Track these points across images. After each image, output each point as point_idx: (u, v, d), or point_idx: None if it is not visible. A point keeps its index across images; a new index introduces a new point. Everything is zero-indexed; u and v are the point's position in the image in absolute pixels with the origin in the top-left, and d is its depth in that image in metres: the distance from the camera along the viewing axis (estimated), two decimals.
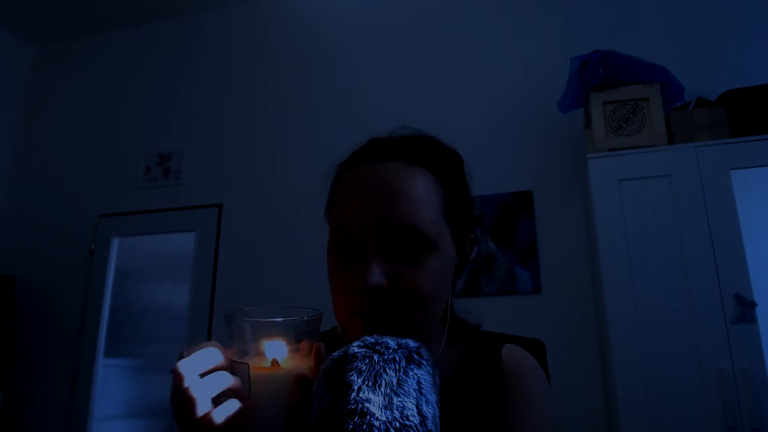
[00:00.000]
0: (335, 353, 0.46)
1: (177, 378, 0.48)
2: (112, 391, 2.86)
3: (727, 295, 1.75)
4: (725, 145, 1.90)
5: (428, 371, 0.45)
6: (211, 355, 0.50)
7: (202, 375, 0.49)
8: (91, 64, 3.48)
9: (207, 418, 0.47)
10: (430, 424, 0.43)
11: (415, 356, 0.45)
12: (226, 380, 0.49)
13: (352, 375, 0.43)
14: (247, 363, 0.50)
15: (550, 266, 2.36)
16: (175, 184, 3.04)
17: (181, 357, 0.49)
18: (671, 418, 1.70)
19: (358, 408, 0.41)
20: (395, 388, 0.43)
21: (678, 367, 1.73)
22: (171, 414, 0.49)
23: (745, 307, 1.72)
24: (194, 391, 0.47)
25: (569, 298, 2.30)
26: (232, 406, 0.48)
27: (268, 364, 0.52)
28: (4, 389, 2.92)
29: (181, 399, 0.47)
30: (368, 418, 0.41)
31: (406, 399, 0.42)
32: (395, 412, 0.41)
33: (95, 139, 3.29)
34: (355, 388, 0.42)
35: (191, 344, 0.51)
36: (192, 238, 2.94)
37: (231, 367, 0.51)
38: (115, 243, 3.06)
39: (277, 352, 0.53)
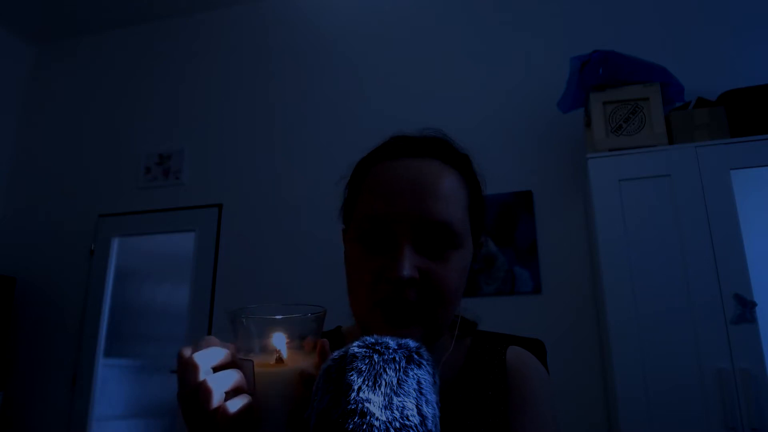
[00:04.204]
0: (335, 353, 0.46)
1: (191, 369, 0.48)
2: (112, 391, 2.86)
3: (727, 295, 1.75)
4: (725, 145, 1.90)
5: (428, 371, 0.45)
6: (220, 351, 0.51)
7: (214, 370, 0.49)
8: (91, 64, 3.49)
9: (221, 409, 0.47)
10: (430, 424, 0.43)
11: (415, 356, 0.45)
12: (237, 375, 0.50)
13: (352, 375, 0.43)
14: (252, 360, 0.51)
15: (550, 266, 2.36)
16: (175, 184, 3.04)
17: (180, 355, 0.49)
18: (671, 418, 1.70)
19: (358, 408, 0.41)
20: (395, 388, 0.43)
21: (678, 367, 1.73)
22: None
23: (745, 307, 1.72)
24: (210, 383, 0.47)
25: (569, 298, 2.30)
26: (244, 399, 0.49)
27: (272, 361, 0.52)
28: (4, 389, 2.92)
29: (196, 390, 0.47)
30: (368, 418, 0.41)
31: (406, 399, 0.42)
32: (395, 412, 0.41)
33: (95, 139, 3.29)
34: (355, 388, 0.42)
35: (193, 341, 0.52)
36: (192, 238, 2.94)
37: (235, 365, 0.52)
38: (115, 243, 3.07)
39: (281, 349, 0.53)
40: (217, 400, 0.47)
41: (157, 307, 2.94)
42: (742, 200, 1.83)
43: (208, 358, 0.49)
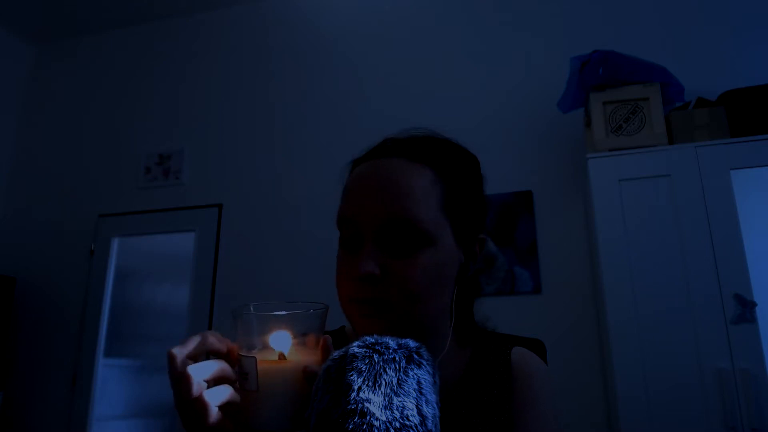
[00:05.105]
0: (335, 353, 0.47)
1: (170, 360, 0.50)
2: (112, 391, 2.86)
3: (727, 295, 1.75)
4: (725, 145, 1.90)
5: (428, 371, 0.46)
6: (203, 339, 0.52)
7: (197, 360, 0.51)
8: (91, 64, 3.49)
9: (200, 399, 0.48)
10: (430, 424, 0.43)
11: (415, 356, 0.45)
12: (218, 365, 0.51)
13: (352, 375, 0.43)
14: (255, 356, 0.51)
15: (550, 266, 2.36)
16: (175, 184, 3.04)
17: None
18: (671, 418, 1.70)
19: (358, 408, 0.41)
20: (395, 388, 0.43)
21: (678, 367, 1.73)
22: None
23: (745, 307, 1.72)
24: (189, 371, 0.49)
25: (569, 298, 2.30)
26: (225, 391, 0.50)
27: (275, 358, 0.53)
28: (4, 389, 2.92)
29: (178, 380, 0.49)
30: (368, 418, 0.41)
31: (406, 399, 0.42)
32: (395, 412, 0.41)
33: (95, 139, 3.29)
34: (355, 388, 0.42)
35: (191, 335, 0.53)
36: (192, 238, 2.94)
37: (238, 360, 0.52)
38: (115, 243, 3.06)
39: (283, 346, 0.53)
40: (196, 388, 0.48)
41: (157, 307, 2.94)
42: (742, 200, 1.83)
43: (184, 348, 0.51)
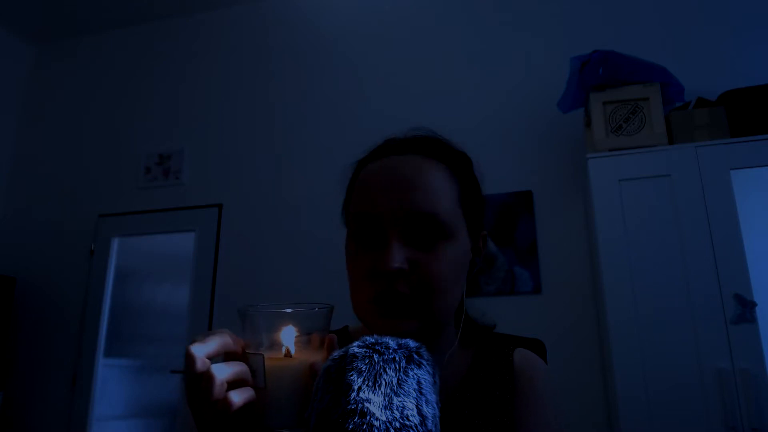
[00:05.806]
0: (335, 353, 0.47)
1: (190, 360, 0.48)
2: (112, 391, 2.86)
3: (727, 295, 1.75)
4: (725, 145, 1.90)
5: (428, 371, 0.46)
6: (224, 340, 0.51)
7: (215, 360, 0.50)
8: (92, 63, 3.49)
9: (223, 399, 0.47)
10: (430, 424, 0.43)
11: (415, 356, 0.45)
12: (239, 367, 0.50)
13: (352, 375, 0.43)
14: (262, 354, 0.51)
15: (550, 266, 2.36)
16: (175, 184, 3.04)
17: (193, 342, 0.50)
18: (671, 418, 1.70)
19: (358, 408, 0.41)
20: (395, 388, 0.43)
21: (678, 367, 1.73)
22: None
23: (745, 307, 1.72)
24: (213, 371, 0.48)
25: (569, 298, 2.30)
26: (247, 392, 0.49)
27: (282, 356, 0.53)
28: (4, 389, 2.92)
29: (198, 379, 0.48)
30: (368, 418, 0.41)
31: (406, 399, 0.42)
32: (395, 412, 0.42)
33: (95, 139, 3.29)
34: (355, 388, 0.42)
35: (203, 332, 0.52)
36: (192, 238, 2.94)
37: (245, 358, 0.52)
38: (115, 243, 3.06)
39: (290, 343, 0.53)
40: (218, 389, 0.47)
41: (157, 307, 2.94)
42: (742, 200, 1.83)
43: (204, 347, 0.49)
